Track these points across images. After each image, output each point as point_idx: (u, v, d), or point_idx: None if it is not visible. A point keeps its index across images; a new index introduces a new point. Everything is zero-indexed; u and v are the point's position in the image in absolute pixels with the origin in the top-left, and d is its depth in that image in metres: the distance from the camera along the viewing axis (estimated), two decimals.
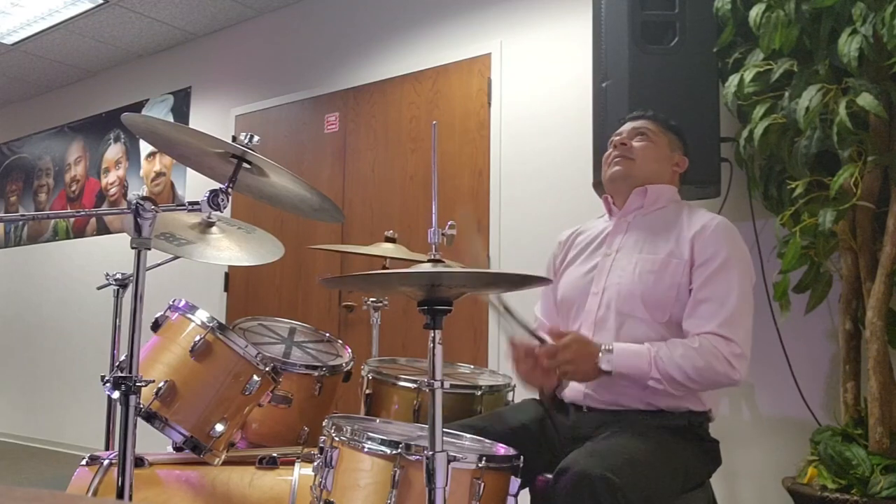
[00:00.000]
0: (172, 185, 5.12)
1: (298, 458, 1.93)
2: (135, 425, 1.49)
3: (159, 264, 2.32)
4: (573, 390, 1.78)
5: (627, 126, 1.92)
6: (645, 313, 1.72)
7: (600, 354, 1.64)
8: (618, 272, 1.79)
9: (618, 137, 1.90)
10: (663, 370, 1.62)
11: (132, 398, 1.49)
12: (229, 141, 1.66)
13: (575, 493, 1.41)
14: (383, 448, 1.42)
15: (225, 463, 1.89)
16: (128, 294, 1.87)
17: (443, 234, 1.44)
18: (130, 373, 1.49)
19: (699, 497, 1.72)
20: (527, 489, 1.70)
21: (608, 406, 1.72)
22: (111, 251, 5.39)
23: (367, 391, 2.12)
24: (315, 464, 1.52)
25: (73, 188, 5.89)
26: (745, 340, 1.67)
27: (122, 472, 1.48)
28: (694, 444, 1.71)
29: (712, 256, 1.71)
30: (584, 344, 1.67)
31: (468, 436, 1.66)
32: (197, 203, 1.58)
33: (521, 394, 2.16)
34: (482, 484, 1.40)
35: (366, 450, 1.44)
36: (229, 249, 2.10)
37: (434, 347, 1.35)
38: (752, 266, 1.79)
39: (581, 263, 1.90)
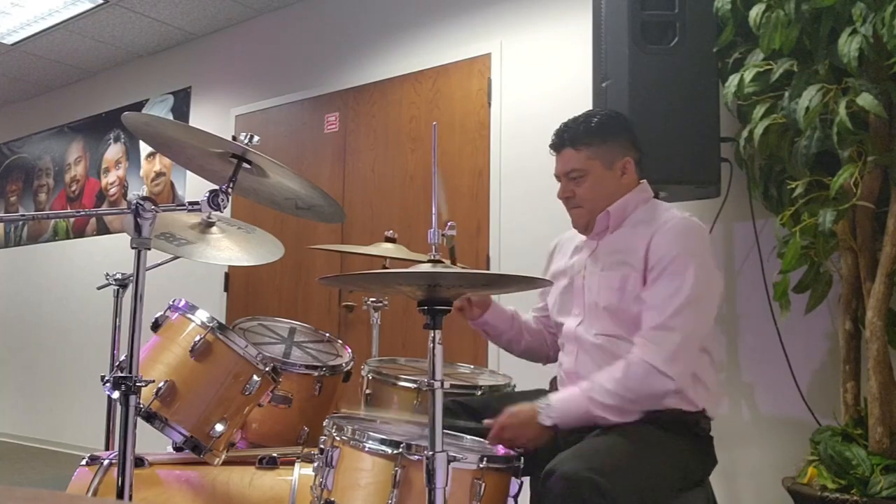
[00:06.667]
0: (172, 185, 5.12)
1: (298, 458, 1.93)
2: (135, 425, 1.49)
3: (159, 264, 2.32)
4: None
5: (559, 168, 1.87)
6: (619, 330, 1.74)
7: (539, 412, 1.65)
8: (589, 293, 1.81)
9: (559, 192, 1.88)
10: (603, 404, 1.62)
11: (132, 398, 1.49)
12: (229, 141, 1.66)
13: (562, 495, 1.41)
14: (384, 448, 1.42)
15: (225, 463, 1.89)
16: (128, 294, 1.87)
17: (443, 235, 1.45)
18: (130, 373, 1.49)
19: (698, 496, 1.72)
20: (527, 488, 1.70)
21: None
22: (111, 251, 5.39)
23: (367, 391, 2.12)
24: (316, 463, 1.52)
25: (73, 188, 5.89)
26: (684, 342, 1.63)
27: (122, 472, 1.48)
28: (690, 441, 1.70)
29: (659, 260, 1.70)
30: (517, 415, 1.67)
31: (468, 436, 1.66)
32: (197, 203, 1.58)
33: None
34: (483, 484, 1.40)
35: (367, 449, 1.44)
36: (229, 249, 2.10)
37: (434, 347, 1.35)
38: (712, 264, 1.75)
39: (559, 278, 1.93)
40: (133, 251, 1.53)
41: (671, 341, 1.63)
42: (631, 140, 1.89)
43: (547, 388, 1.96)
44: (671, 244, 1.70)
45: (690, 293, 1.65)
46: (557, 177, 1.89)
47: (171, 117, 5.14)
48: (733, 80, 2.29)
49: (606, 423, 1.64)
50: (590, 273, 1.83)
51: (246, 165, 1.72)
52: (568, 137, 1.86)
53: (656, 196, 2.49)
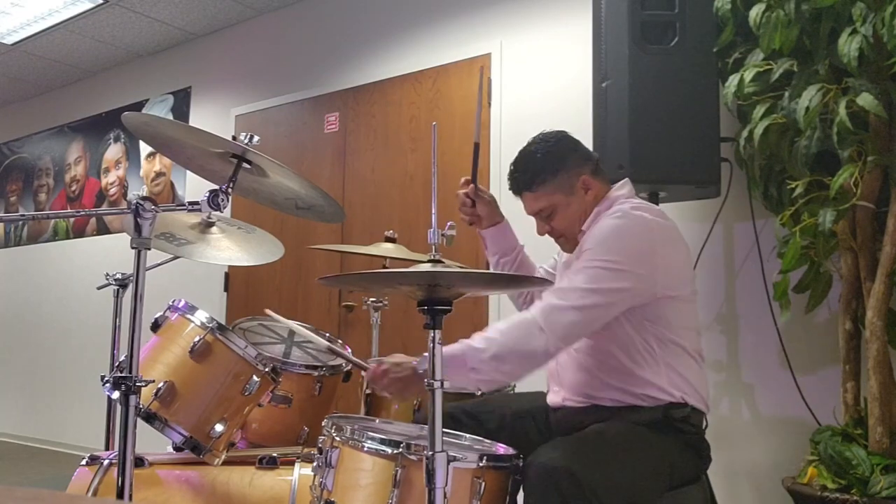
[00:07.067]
0: (172, 185, 5.12)
1: (298, 458, 1.93)
2: (135, 425, 1.49)
3: (159, 264, 2.32)
4: (553, 396, 1.84)
5: (526, 210, 1.91)
6: None
7: (417, 360, 1.61)
8: None
9: (537, 230, 1.91)
10: (478, 350, 1.58)
11: (132, 398, 1.49)
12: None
13: (540, 486, 1.42)
14: (384, 448, 1.42)
15: (225, 463, 1.89)
16: (128, 294, 1.87)
17: (442, 235, 1.45)
18: (130, 373, 1.49)
19: (695, 495, 1.72)
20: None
21: (584, 403, 1.75)
22: (111, 251, 5.39)
23: (367, 391, 2.12)
24: (315, 463, 1.52)
25: (73, 188, 5.89)
26: (572, 318, 1.61)
27: (122, 472, 1.48)
28: (678, 438, 1.68)
29: (579, 254, 1.73)
30: (401, 365, 1.63)
31: (468, 435, 1.66)
32: (197, 203, 1.58)
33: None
34: (483, 483, 1.40)
35: (366, 449, 1.44)
36: (229, 249, 2.10)
37: (434, 347, 1.35)
38: (632, 261, 1.68)
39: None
40: (133, 251, 1.53)
41: (562, 308, 1.61)
42: (579, 156, 1.87)
43: (545, 389, 1.96)
44: (588, 243, 1.71)
45: (595, 279, 1.64)
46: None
47: (171, 117, 5.14)
48: (733, 80, 2.29)
49: (480, 380, 1.59)
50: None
51: (246, 165, 1.72)
52: (522, 182, 1.88)
53: (656, 195, 2.50)
